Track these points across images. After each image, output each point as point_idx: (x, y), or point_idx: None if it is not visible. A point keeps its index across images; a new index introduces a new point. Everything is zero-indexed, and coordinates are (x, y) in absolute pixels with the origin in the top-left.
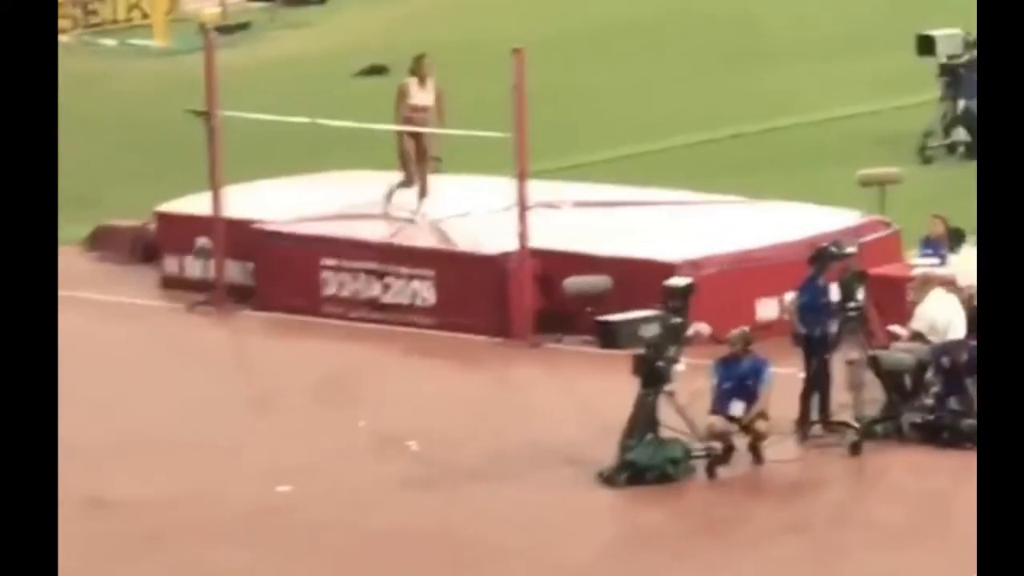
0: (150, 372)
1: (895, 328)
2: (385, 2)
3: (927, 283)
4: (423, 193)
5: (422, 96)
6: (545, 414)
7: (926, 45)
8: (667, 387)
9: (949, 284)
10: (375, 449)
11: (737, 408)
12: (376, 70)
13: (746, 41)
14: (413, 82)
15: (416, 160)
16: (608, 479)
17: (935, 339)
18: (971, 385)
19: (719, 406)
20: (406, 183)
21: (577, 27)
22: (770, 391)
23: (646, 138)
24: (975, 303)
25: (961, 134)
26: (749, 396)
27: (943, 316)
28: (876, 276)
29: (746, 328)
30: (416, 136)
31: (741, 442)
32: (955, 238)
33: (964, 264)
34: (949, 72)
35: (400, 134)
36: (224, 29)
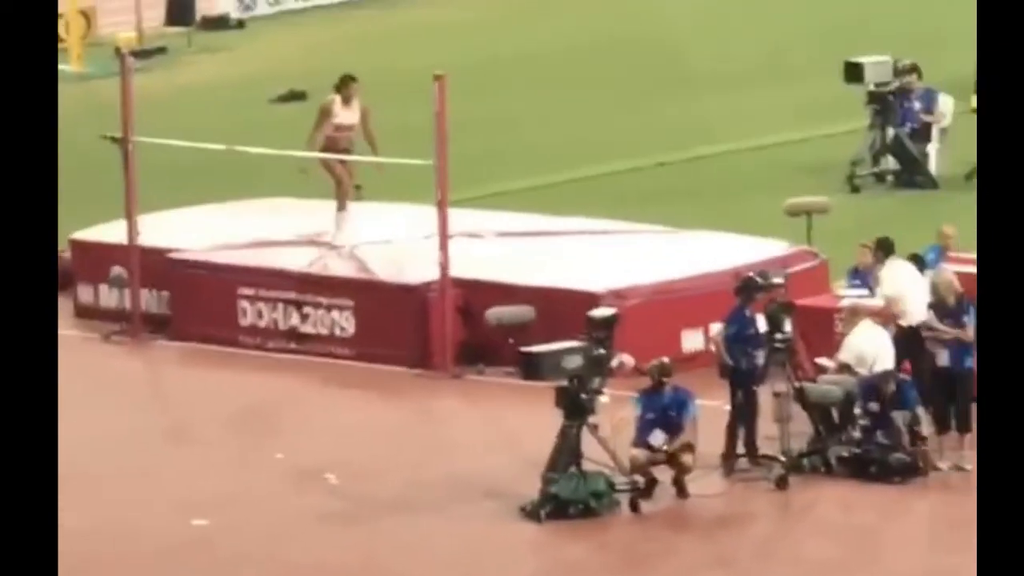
0: (64, 402)
1: (822, 360)
2: (304, 28)
3: (855, 314)
4: (341, 213)
5: (347, 115)
6: (466, 446)
7: (854, 72)
8: (590, 419)
9: (877, 315)
10: (293, 482)
11: (658, 438)
12: (294, 96)
13: (671, 69)
14: (338, 101)
15: (339, 182)
16: (530, 513)
17: (863, 371)
18: (898, 418)
19: (641, 437)
20: (342, 207)
21: (500, 55)
22: (696, 424)
23: (570, 167)
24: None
25: (890, 162)
26: (672, 427)
27: (871, 348)
28: (803, 307)
29: (665, 359)
30: (340, 155)
31: (665, 476)
32: (884, 248)
33: (892, 277)
34: (878, 99)
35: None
36: (140, 54)
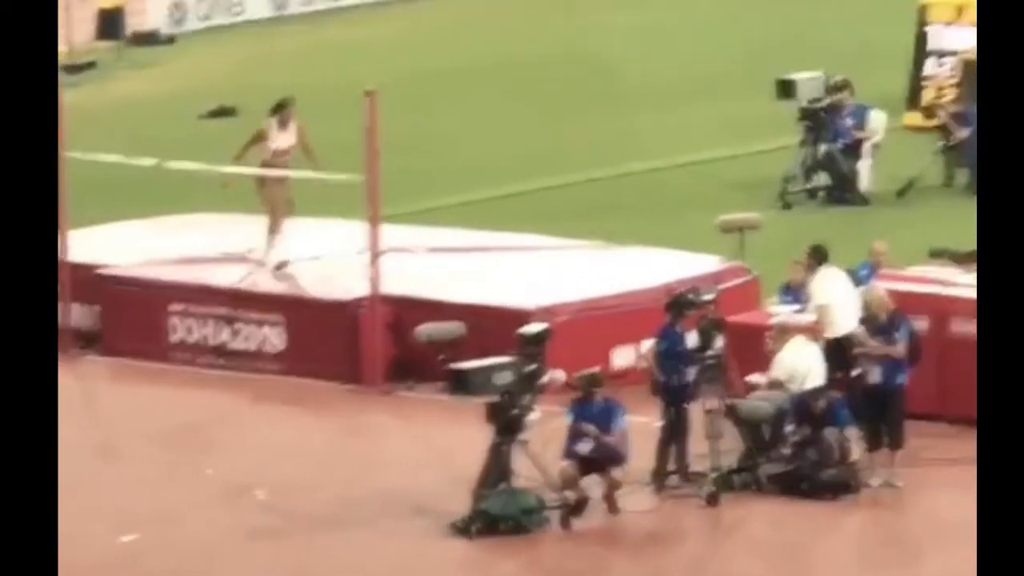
0: None
1: (754, 377)
2: (233, 43)
3: (786, 331)
4: (274, 235)
5: (284, 139)
6: (397, 463)
7: (786, 89)
8: (521, 436)
9: (808, 331)
10: (223, 498)
11: (585, 448)
12: (224, 112)
13: (603, 85)
14: (274, 125)
15: (273, 204)
16: (461, 529)
17: (794, 388)
18: (829, 435)
19: (570, 447)
20: (274, 228)
21: (431, 71)
22: (626, 436)
23: (501, 182)
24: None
25: (822, 179)
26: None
27: (802, 364)
28: (735, 323)
29: (595, 369)
30: (278, 180)
31: (596, 492)
32: (817, 256)
33: (824, 285)
34: (810, 116)
35: (260, 179)
36: (70, 68)
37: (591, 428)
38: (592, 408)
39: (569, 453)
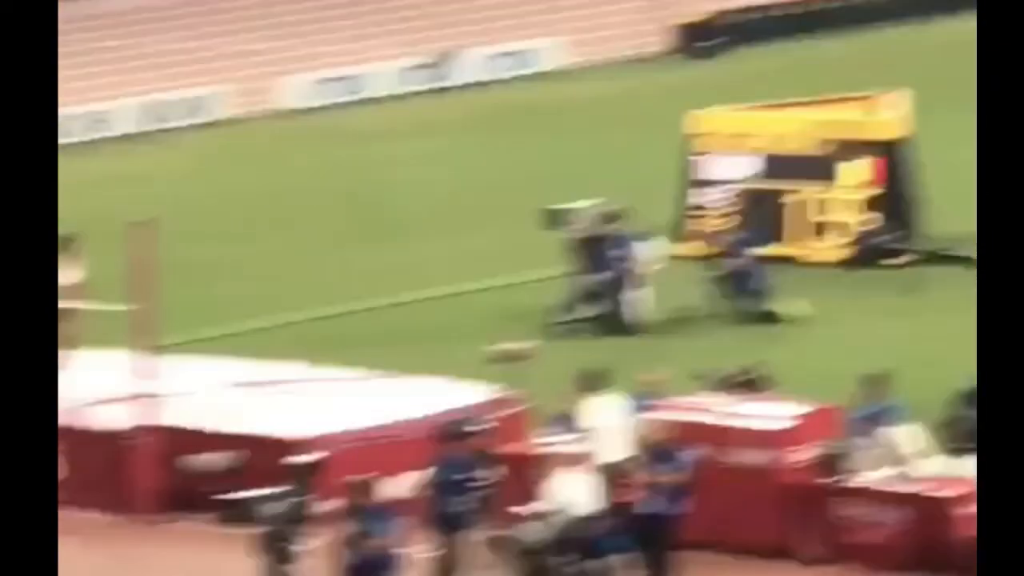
0: None
1: (526, 507)
2: None
3: (557, 460)
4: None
5: (70, 275)
6: None
7: (557, 218)
8: (291, 566)
9: (579, 460)
10: None
11: (356, 555)
12: None
13: (376, 215)
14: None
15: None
16: None
17: (566, 517)
18: (602, 563)
19: (343, 557)
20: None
21: (207, 200)
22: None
23: (276, 312)
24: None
25: (593, 308)
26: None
27: (574, 493)
28: (507, 453)
29: (367, 477)
30: (67, 317)
31: None
32: (588, 381)
33: (594, 411)
34: (581, 246)
35: None
36: None
37: (369, 536)
38: (364, 518)
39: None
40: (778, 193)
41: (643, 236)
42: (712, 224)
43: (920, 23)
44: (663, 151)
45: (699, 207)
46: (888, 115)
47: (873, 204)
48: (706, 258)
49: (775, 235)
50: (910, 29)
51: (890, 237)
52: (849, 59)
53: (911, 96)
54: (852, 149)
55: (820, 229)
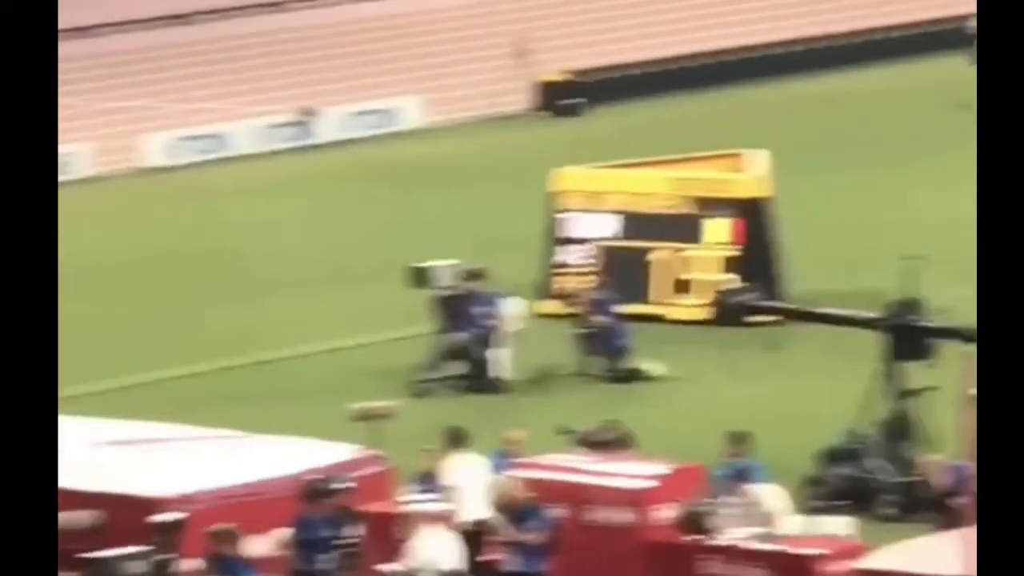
0: None
1: (389, 566)
2: None
3: (420, 519)
4: None
5: None
6: None
7: (421, 277)
8: None
9: (441, 520)
10: None
11: None
12: None
13: (235, 274)
14: None
15: None
16: None
17: (428, 575)
18: None
19: None
20: None
21: (69, 258)
22: None
23: (135, 371)
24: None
25: (456, 367)
26: None
27: (436, 552)
28: (369, 512)
29: (230, 526)
30: None
31: None
32: (451, 439)
33: (455, 469)
34: (444, 304)
35: None
36: None
37: None
38: (230, 566)
39: None
40: (643, 251)
41: (507, 294)
42: (575, 282)
43: (777, 83)
44: (528, 209)
45: (563, 265)
46: (748, 174)
47: (734, 263)
48: (570, 316)
49: (641, 293)
50: (768, 88)
51: (753, 296)
52: (711, 118)
53: (769, 155)
54: (713, 207)
55: (685, 287)
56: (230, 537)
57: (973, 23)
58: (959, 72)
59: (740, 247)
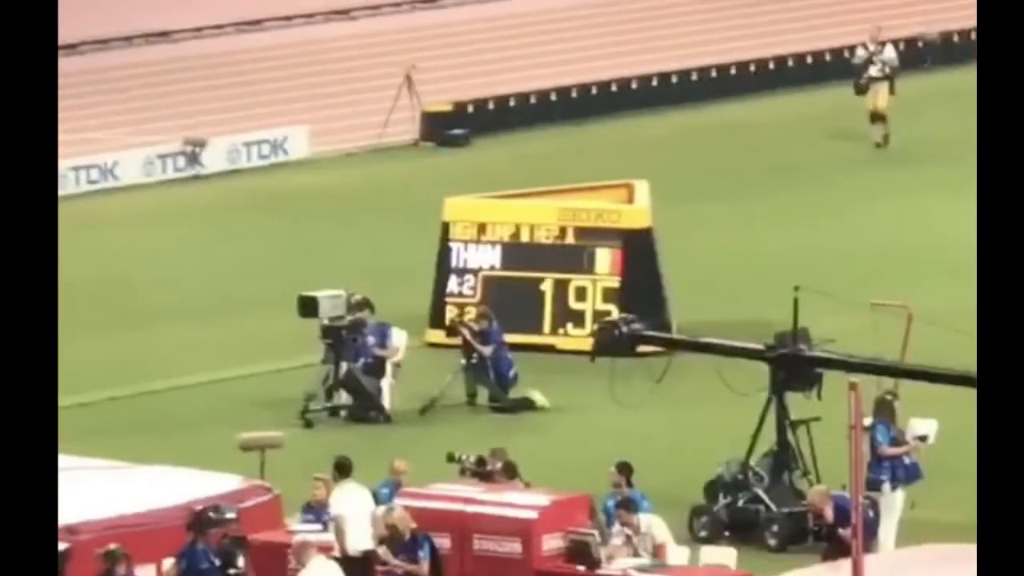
0: None
1: None
2: None
3: (307, 548)
4: None
5: None
6: None
7: (308, 306)
8: None
9: (328, 549)
10: None
11: None
12: None
13: (125, 304)
14: None
15: None
16: None
17: None
18: None
19: None
20: None
21: None
22: None
23: None
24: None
25: (343, 397)
26: None
27: None
28: (257, 542)
29: (113, 547)
30: None
31: None
32: (339, 469)
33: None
34: (331, 334)
35: None
36: None
37: None
38: None
39: None
40: (536, 281)
41: (394, 324)
42: (464, 312)
43: (662, 113)
44: (416, 239)
45: (453, 294)
46: (633, 204)
47: (618, 293)
48: (459, 346)
49: (535, 323)
50: (653, 119)
51: (638, 327)
52: (595, 148)
53: (649, 186)
54: (599, 237)
55: (573, 317)
56: (121, 559)
57: (861, 52)
58: (844, 101)
59: (624, 277)
